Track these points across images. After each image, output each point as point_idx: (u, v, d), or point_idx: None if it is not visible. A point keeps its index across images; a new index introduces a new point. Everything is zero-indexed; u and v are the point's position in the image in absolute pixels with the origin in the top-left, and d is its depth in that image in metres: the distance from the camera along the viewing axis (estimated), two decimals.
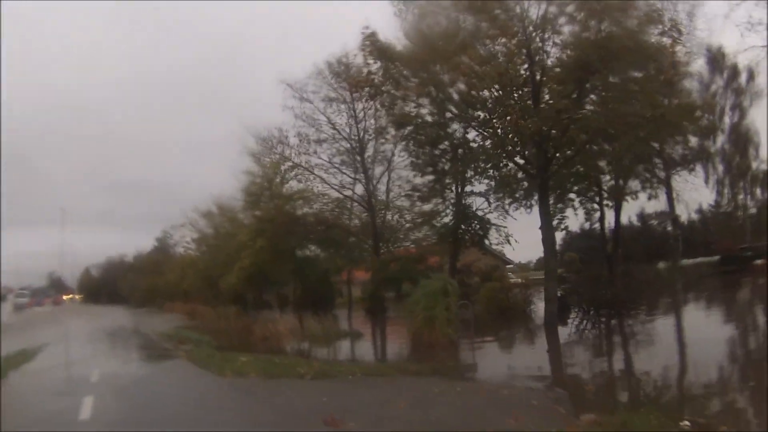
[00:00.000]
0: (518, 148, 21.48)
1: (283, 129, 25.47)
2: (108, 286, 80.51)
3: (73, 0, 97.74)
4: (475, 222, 25.25)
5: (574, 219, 25.21)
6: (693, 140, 25.84)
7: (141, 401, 9.34)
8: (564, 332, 16.97)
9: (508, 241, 25.40)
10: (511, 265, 34.37)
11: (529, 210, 24.77)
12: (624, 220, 30.73)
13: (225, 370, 11.63)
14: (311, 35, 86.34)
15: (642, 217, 39.22)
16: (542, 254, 20.16)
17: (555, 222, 24.96)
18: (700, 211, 39.92)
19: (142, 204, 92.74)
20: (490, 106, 20.91)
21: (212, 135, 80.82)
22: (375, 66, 23.00)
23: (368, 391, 9.39)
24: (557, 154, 21.55)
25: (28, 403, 9.56)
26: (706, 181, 35.98)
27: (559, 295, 19.48)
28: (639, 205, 31.37)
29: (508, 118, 19.18)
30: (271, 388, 9.89)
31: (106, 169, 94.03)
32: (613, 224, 26.77)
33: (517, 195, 25.67)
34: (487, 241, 25.16)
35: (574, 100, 18.80)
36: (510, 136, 20.45)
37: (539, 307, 20.30)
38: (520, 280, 25.15)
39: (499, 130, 20.60)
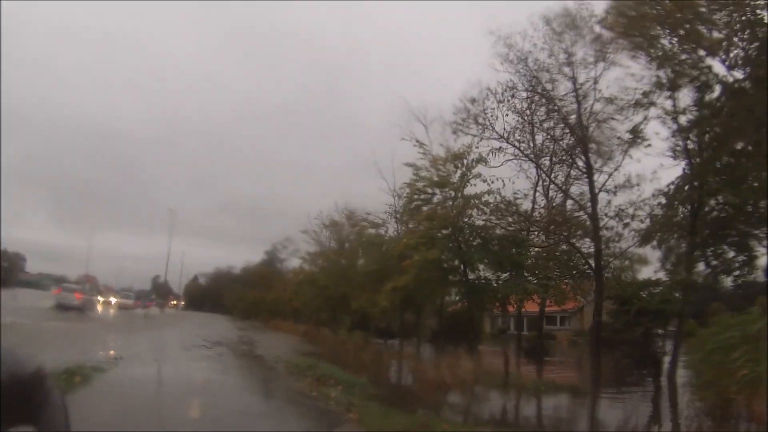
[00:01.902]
0: None
1: (497, 90, 17.83)
2: (213, 295, 79.28)
3: (191, 28, 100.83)
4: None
5: None
6: None
7: None
8: None
9: None
10: None
11: None
12: None
13: None
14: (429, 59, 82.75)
15: None
16: None
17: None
18: None
19: (249, 222, 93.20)
20: None
21: (324, 160, 78.78)
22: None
23: None
24: None
25: None
26: None
27: None
28: None
29: None
30: None
31: (216, 186, 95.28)
32: None
33: None
34: None
35: None
36: None
37: None
38: None
39: None
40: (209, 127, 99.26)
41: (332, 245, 34.99)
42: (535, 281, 19.28)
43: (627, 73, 16.44)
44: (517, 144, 17.79)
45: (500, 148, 17.79)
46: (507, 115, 17.61)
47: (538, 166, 18.09)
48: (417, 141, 18.76)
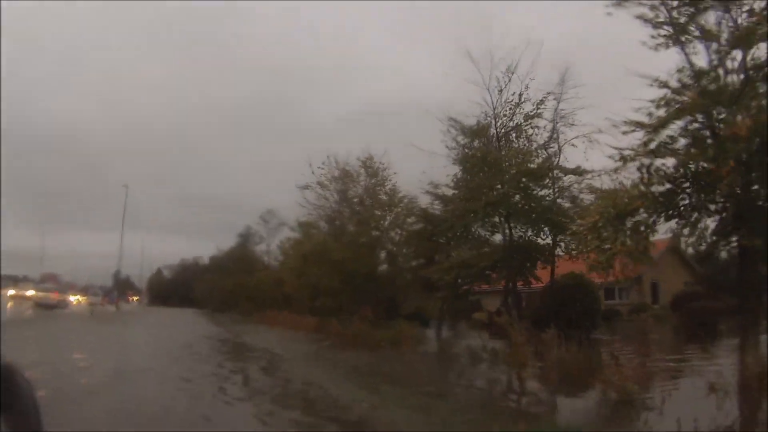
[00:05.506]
0: None
1: None
2: (180, 288, 70.11)
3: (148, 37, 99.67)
4: None
5: None
6: None
7: None
8: None
9: None
10: None
11: None
12: None
13: None
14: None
15: None
16: None
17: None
18: None
19: (210, 216, 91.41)
20: None
21: (278, 157, 77.95)
22: None
23: None
24: None
25: None
26: None
27: None
28: None
29: None
30: None
31: (175, 183, 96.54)
32: None
33: None
34: None
35: None
36: None
37: None
38: None
39: None
40: (167, 128, 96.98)
41: (340, 206, 25.16)
42: None
43: None
44: None
45: None
46: None
47: None
48: None
